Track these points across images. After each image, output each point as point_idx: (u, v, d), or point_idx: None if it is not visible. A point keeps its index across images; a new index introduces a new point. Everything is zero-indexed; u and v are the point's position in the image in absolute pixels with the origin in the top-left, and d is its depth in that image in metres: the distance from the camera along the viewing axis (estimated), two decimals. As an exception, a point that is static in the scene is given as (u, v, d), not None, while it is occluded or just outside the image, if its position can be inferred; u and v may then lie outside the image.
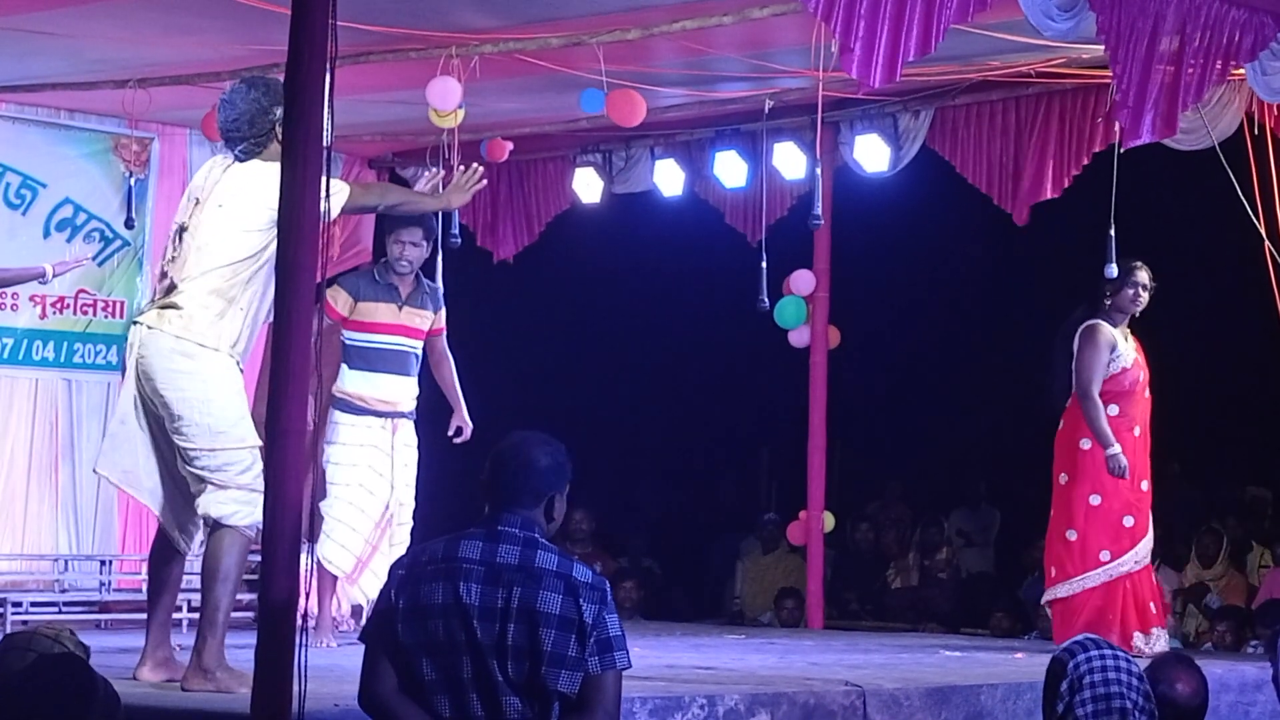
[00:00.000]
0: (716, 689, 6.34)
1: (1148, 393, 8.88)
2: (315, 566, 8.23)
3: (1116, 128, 8.62)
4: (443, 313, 8.83)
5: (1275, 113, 8.97)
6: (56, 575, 10.66)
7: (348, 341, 8.59)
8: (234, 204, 6.28)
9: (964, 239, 12.81)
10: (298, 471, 4.84)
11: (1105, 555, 8.70)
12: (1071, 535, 8.75)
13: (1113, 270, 8.70)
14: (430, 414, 8.88)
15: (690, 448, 15.08)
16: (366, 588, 8.52)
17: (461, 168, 6.99)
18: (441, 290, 9.02)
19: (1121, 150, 8.63)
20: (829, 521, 11.33)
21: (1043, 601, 9.00)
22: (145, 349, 6.28)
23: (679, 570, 13.87)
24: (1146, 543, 8.83)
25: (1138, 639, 8.63)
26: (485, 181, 7.12)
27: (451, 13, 8.61)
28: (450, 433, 8.83)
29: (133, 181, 10.83)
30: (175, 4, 8.49)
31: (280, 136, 5.40)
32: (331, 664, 6.24)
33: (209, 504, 6.25)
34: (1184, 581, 11.44)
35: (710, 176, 11.27)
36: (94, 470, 6.87)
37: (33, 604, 10.17)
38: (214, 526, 6.27)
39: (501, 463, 4.56)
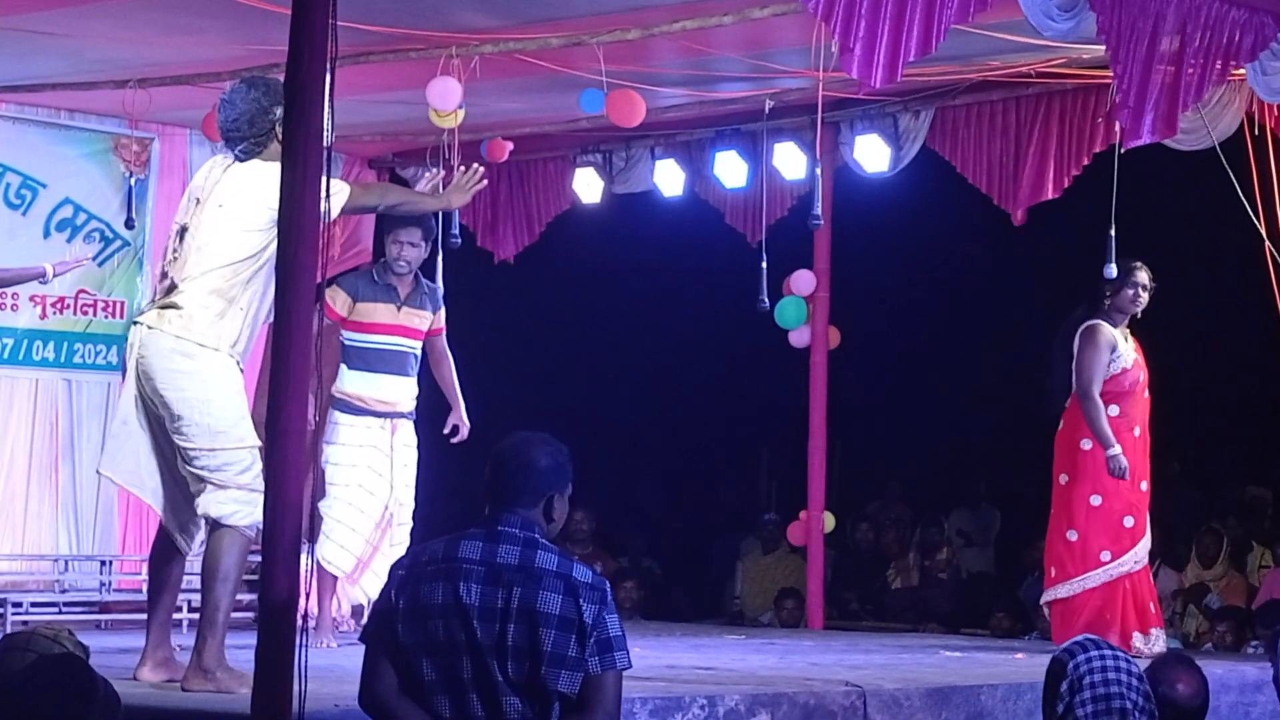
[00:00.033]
0: (717, 689, 6.34)
1: (1147, 393, 8.88)
2: (315, 567, 8.24)
3: (1117, 128, 8.62)
4: (442, 312, 8.83)
5: (1275, 113, 8.96)
6: (56, 575, 10.66)
7: (346, 342, 8.59)
8: (234, 204, 6.28)
9: (964, 239, 12.81)
10: (298, 471, 4.83)
11: (1106, 555, 8.71)
12: (1072, 535, 8.75)
13: (1112, 270, 8.70)
14: (430, 414, 8.88)
15: (690, 448, 15.08)
16: (368, 587, 8.52)
17: (462, 168, 6.98)
18: (441, 290, 9.01)
19: (1122, 151, 8.63)
20: (829, 521, 11.33)
21: (1042, 601, 9.00)
22: (145, 349, 6.29)
23: (679, 570, 13.87)
24: (1145, 543, 8.84)
25: (1137, 639, 8.63)
26: (486, 182, 7.12)
27: (451, 13, 8.60)
28: (446, 430, 8.82)
29: (133, 181, 10.83)
30: (175, 4, 8.49)
31: (280, 136, 5.40)
32: (332, 664, 6.24)
33: (209, 504, 6.25)
34: (1184, 581, 11.43)
35: (710, 176, 11.27)
36: (97, 471, 6.88)
37: (33, 604, 10.17)
38: (214, 526, 6.28)
39: (501, 462, 4.56)
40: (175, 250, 6.40)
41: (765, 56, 9.31)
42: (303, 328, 4.82)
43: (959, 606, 12.31)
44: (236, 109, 6.39)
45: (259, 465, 6.03)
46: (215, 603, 6.21)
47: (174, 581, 6.61)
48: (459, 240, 10.01)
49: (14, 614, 9.78)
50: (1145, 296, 8.82)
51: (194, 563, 6.58)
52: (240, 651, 5.85)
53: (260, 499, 5.06)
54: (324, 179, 4.88)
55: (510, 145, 10.63)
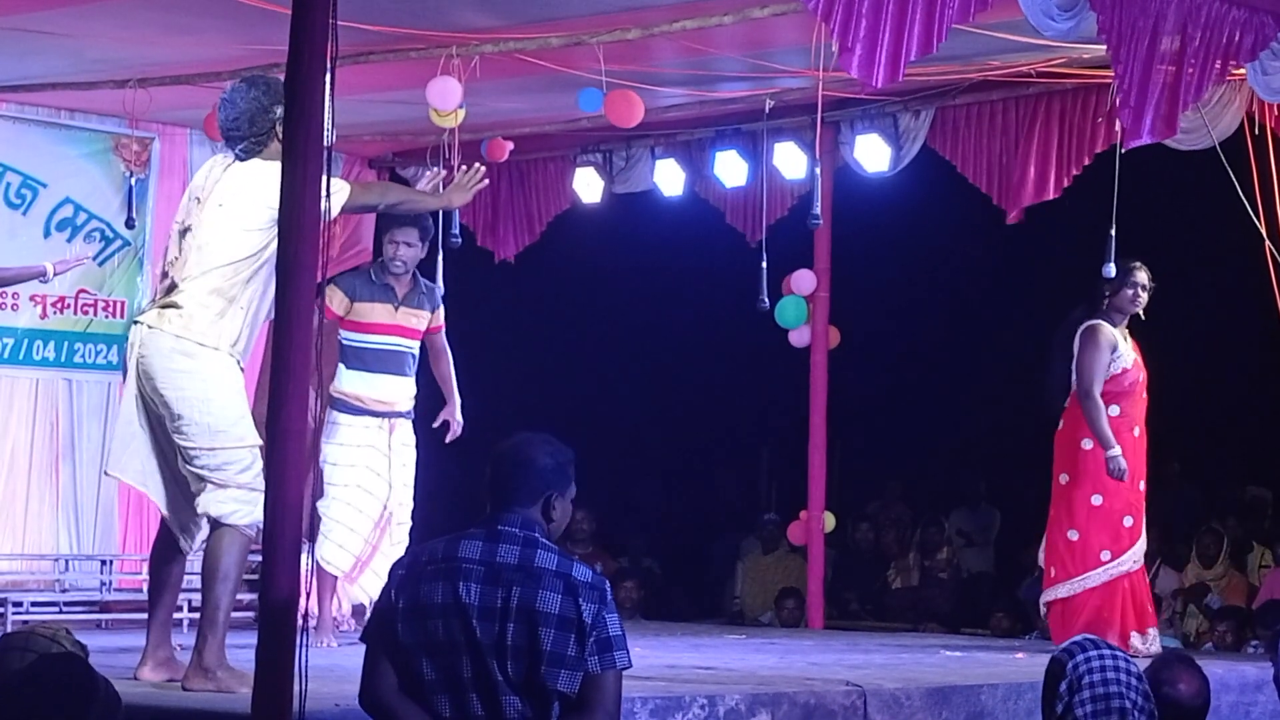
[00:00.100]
0: (717, 689, 6.34)
1: (1145, 393, 8.88)
2: (314, 567, 8.24)
3: (1117, 127, 8.62)
4: (440, 311, 8.82)
5: (1275, 113, 8.96)
6: (57, 575, 10.66)
7: (344, 341, 8.59)
8: (234, 203, 6.28)
9: (964, 239, 12.81)
10: (298, 471, 4.83)
11: (1106, 555, 8.71)
12: (1073, 535, 8.75)
13: (1112, 270, 8.70)
14: (429, 414, 8.88)
15: (690, 448, 15.08)
16: (368, 587, 8.52)
17: (463, 167, 6.98)
18: (441, 290, 9.01)
19: (1123, 151, 8.63)
20: (829, 521, 11.33)
21: (1042, 601, 8.99)
22: (145, 348, 6.29)
23: (679, 570, 13.87)
24: (1143, 542, 8.84)
25: (1135, 639, 8.63)
26: (487, 181, 7.11)
27: (451, 13, 8.60)
28: (436, 425, 8.80)
29: (133, 181, 10.83)
30: (175, 4, 8.48)
31: (281, 135, 5.39)
32: (332, 664, 6.24)
33: (209, 503, 6.25)
34: (1184, 581, 11.44)
35: (710, 176, 11.27)
36: (105, 472, 6.88)
37: (33, 604, 10.17)
38: (214, 526, 6.28)
39: (501, 462, 4.56)
40: (176, 250, 6.40)
41: (765, 56, 9.31)
42: (303, 327, 4.82)
43: (959, 606, 12.32)
44: (237, 108, 6.39)
45: (259, 464, 6.03)
46: (216, 602, 6.22)
47: (174, 581, 6.61)
48: (459, 240, 10.01)
49: (14, 614, 9.78)
50: (1144, 296, 8.82)
51: (194, 562, 6.58)
52: (240, 651, 5.85)
53: (260, 498, 5.06)
54: (324, 178, 4.88)
55: (510, 145, 10.63)
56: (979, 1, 7.15)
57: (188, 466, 6.28)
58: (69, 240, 10.71)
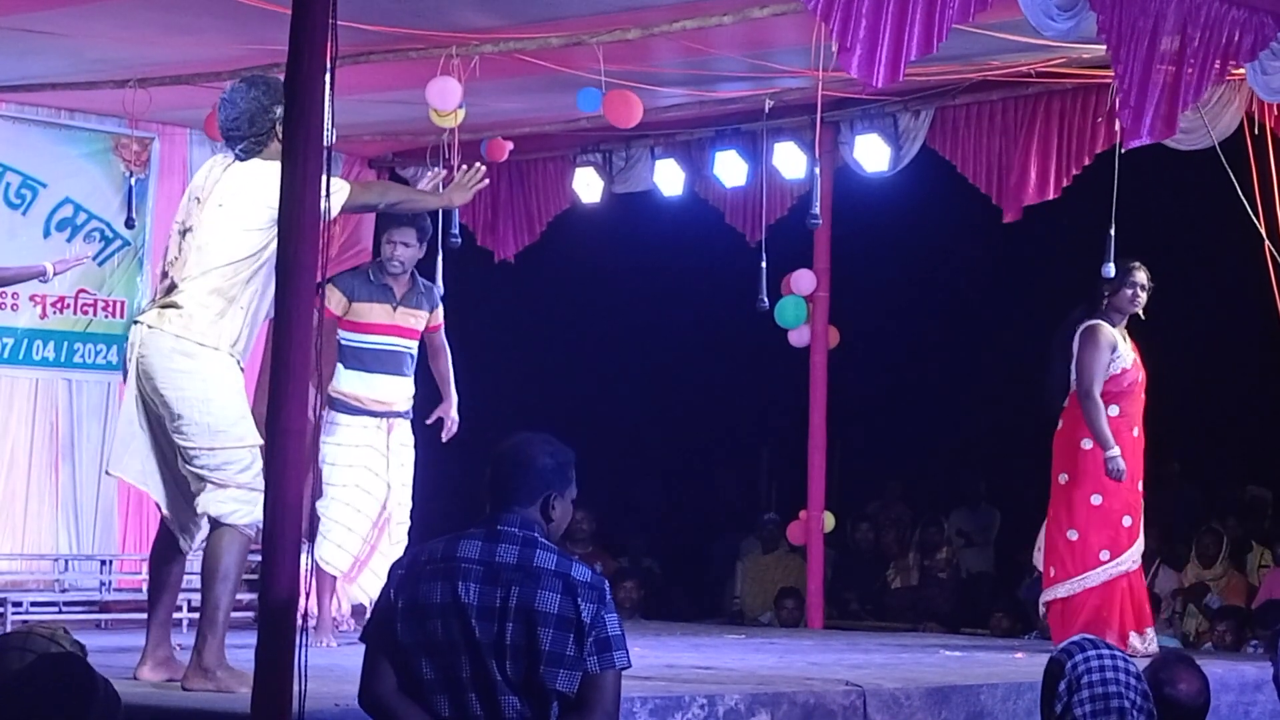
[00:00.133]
0: (717, 689, 6.34)
1: (1143, 393, 8.88)
2: (313, 567, 8.24)
3: (1117, 127, 8.62)
4: (439, 310, 8.82)
5: (1275, 113, 8.96)
6: (56, 575, 10.66)
7: (342, 341, 8.58)
8: (234, 203, 6.28)
9: (964, 239, 12.81)
10: (298, 471, 4.83)
11: (1105, 555, 8.71)
12: (1072, 535, 8.75)
13: (1111, 270, 8.70)
14: (428, 413, 8.87)
15: (690, 448, 15.08)
16: (367, 587, 8.52)
17: (464, 166, 6.97)
18: (441, 290, 9.01)
19: (1123, 151, 8.63)
20: (829, 521, 11.33)
21: (1042, 601, 8.99)
22: (145, 348, 6.29)
23: (679, 570, 13.87)
24: (1141, 542, 8.85)
25: (1134, 639, 8.63)
26: (487, 180, 7.10)
27: (451, 13, 8.60)
28: (430, 421, 8.80)
29: (133, 181, 10.83)
30: (175, 4, 8.48)
31: (280, 135, 5.39)
32: (332, 664, 6.24)
33: (208, 503, 6.25)
34: (1184, 581, 11.43)
35: (710, 176, 11.27)
36: (107, 472, 6.89)
37: (33, 604, 10.17)
38: (214, 525, 6.28)
39: (501, 461, 4.57)
40: (176, 250, 6.40)
41: (765, 56, 9.31)
42: (302, 327, 4.82)
43: (959, 606, 12.32)
44: (237, 108, 6.39)
45: (259, 464, 6.03)
46: (215, 602, 6.22)
47: (174, 581, 6.61)
48: (459, 240, 10.01)
49: (14, 613, 9.78)
50: (1144, 296, 8.83)
51: (194, 562, 6.59)
52: (240, 651, 5.85)
53: (260, 498, 5.06)
54: (324, 178, 4.87)
55: (510, 145, 10.63)
56: (979, 1, 7.15)
57: (187, 466, 6.28)
58: (69, 240, 10.71)
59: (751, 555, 13.03)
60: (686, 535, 14.52)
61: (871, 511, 13.52)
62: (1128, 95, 7.75)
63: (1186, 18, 7.79)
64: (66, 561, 10.70)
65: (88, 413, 10.82)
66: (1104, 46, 7.80)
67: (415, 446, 8.73)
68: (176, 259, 6.37)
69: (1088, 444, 8.69)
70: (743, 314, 10.56)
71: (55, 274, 9.11)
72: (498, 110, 10.25)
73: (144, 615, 6.62)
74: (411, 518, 8.68)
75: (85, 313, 10.87)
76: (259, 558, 4.96)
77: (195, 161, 10.66)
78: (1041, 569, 9.07)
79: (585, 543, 12.39)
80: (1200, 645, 10.48)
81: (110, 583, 10.67)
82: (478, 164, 6.99)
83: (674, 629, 10.69)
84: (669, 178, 11.42)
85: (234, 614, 6.36)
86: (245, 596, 8.32)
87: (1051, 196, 10.00)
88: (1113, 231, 8.69)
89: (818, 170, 9.46)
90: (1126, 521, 8.73)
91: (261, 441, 5.86)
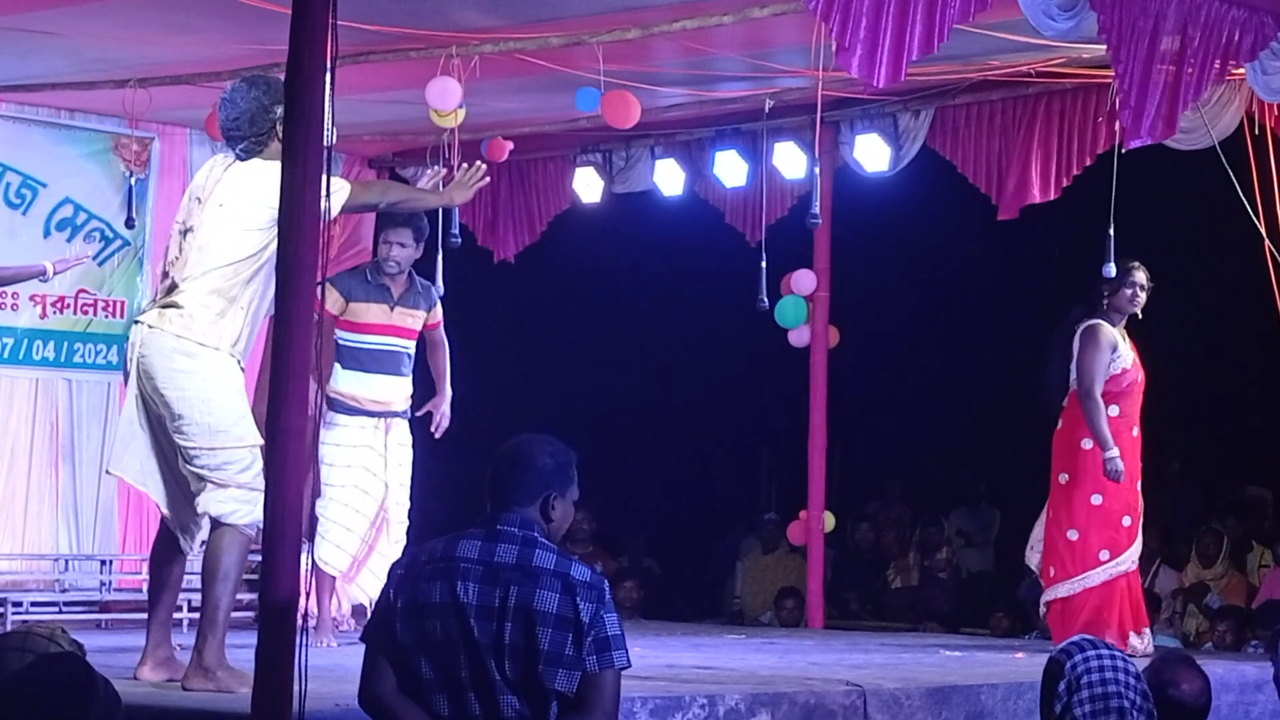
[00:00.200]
0: (717, 689, 6.34)
1: (1142, 393, 8.88)
2: (312, 567, 8.23)
3: (1117, 127, 8.62)
4: (437, 308, 8.81)
5: (1275, 112, 8.97)
6: (57, 575, 10.66)
7: (340, 341, 8.58)
8: (235, 203, 6.28)
9: (964, 239, 12.80)
10: (298, 471, 4.83)
11: (1105, 555, 8.71)
12: (1073, 535, 8.75)
13: (1111, 270, 8.70)
14: (426, 413, 8.87)
15: (690, 448, 15.07)
16: (367, 587, 8.52)
17: (464, 165, 6.97)
18: (441, 290, 9.01)
19: (1123, 151, 8.63)
20: (829, 521, 11.33)
21: (1042, 601, 8.99)
22: (146, 348, 6.29)
23: (679, 570, 13.87)
24: (1139, 542, 8.85)
25: (1133, 639, 8.64)
26: (488, 179, 7.10)
27: (451, 12, 8.61)
28: (420, 413, 8.79)
29: (133, 181, 10.83)
30: (175, 4, 8.49)
31: (281, 135, 5.39)
32: (332, 664, 6.24)
33: (209, 502, 6.25)
34: (1184, 581, 11.43)
35: (710, 176, 11.27)
36: (107, 471, 6.89)
37: (33, 604, 10.17)
38: (214, 525, 6.28)
39: (502, 461, 4.57)
40: (176, 250, 6.40)
41: (765, 56, 9.31)
42: (303, 327, 4.82)
43: (959, 606, 12.31)
44: (237, 108, 6.39)
45: (259, 464, 6.03)
46: (215, 602, 6.22)
47: (174, 581, 6.61)
48: (459, 239, 10.01)
49: (14, 613, 9.78)
50: (1143, 296, 8.83)
51: (194, 562, 6.59)
52: (240, 651, 5.85)
53: (260, 498, 5.06)
54: (324, 178, 4.87)
55: (510, 145, 10.63)
56: (979, 1, 7.15)
57: (188, 466, 6.28)
58: (69, 240, 10.71)
59: (751, 555, 13.03)
60: (686, 535, 14.51)
61: (871, 511, 13.52)
62: (1128, 95, 7.75)
63: (1187, 18, 7.79)
64: (66, 561, 10.71)
65: (88, 413, 10.82)
66: (1104, 46, 7.80)
67: (414, 446, 8.72)
68: (177, 259, 6.37)
69: (1088, 444, 8.68)
70: (743, 314, 10.56)
71: (55, 274, 9.11)
72: (498, 110, 10.25)
73: (144, 615, 6.62)
74: (410, 518, 8.68)
75: (85, 313, 10.87)
76: (259, 558, 4.96)
77: (195, 161, 10.66)
78: (1033, 568, 9.08)
79: (585, 543, 12.39)
80: (1200, 645, 10.48)
81: (110, 583, 10.67)
82: (478, 163, 6.98)
83: (674, 629, 10.69)
84: (669, 178, 11.42)
85: (234, 614, 6.36)
86: (245, 596, 8.32)
87: (1052, 197, 10.00)
88: (1112, 231, 8.69)
89: (818, 170, 9.46)
90: (1126, 521, 8.73)
91: (262, 441, 5.87)
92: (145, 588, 7.03)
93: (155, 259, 10.56)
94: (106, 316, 10.92)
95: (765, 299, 10.09)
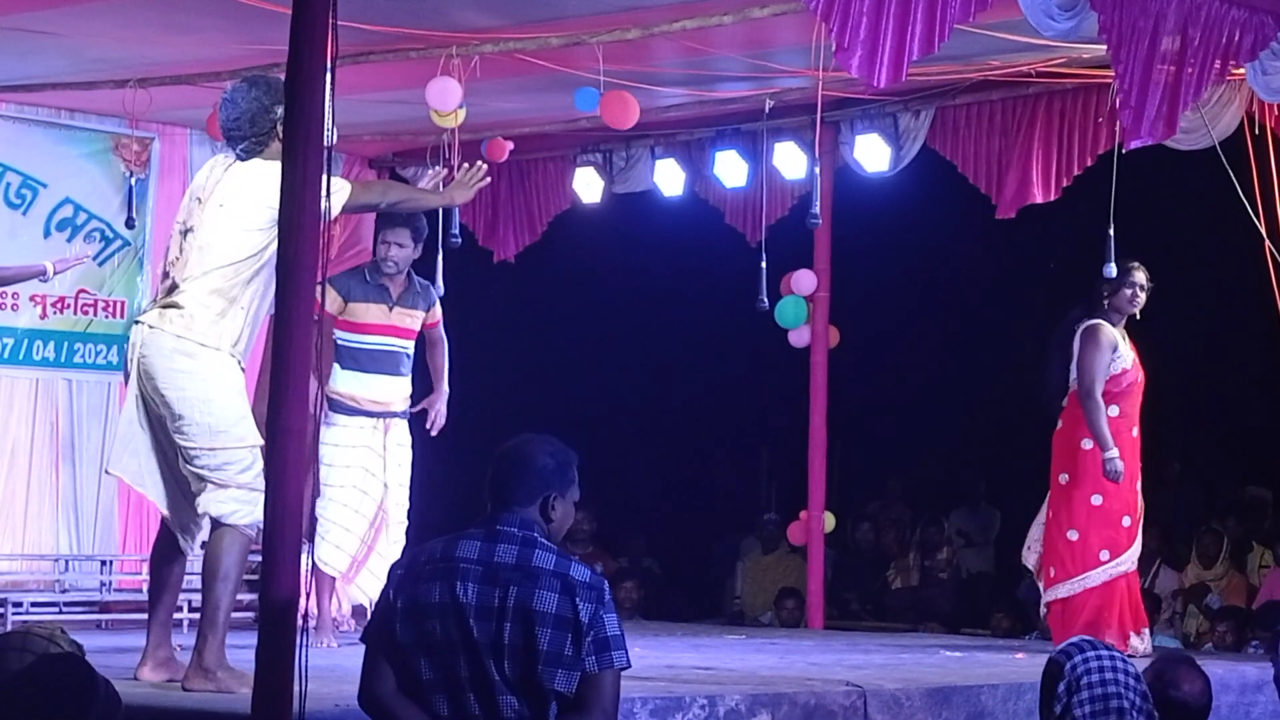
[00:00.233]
0: (717, 689, 6.34)
1: (1142, 393, 8.88)
2: (311, 567, 8.23)
3: (1117, 127, 8.61)
4: (436, 308, 8.80)
5: (1275, 112, 8.96)
6: (57, 575, 10.66)
7: (339, 341, 8.58)
8: (235, 203, 6.28)
9: (965, 239, 12.81)
10: (298, 471, 4.83)
11: (1105, 555, 8.71)
12: (1073, 535, 8.75)
13: (1111, 270, 8.70)
14: (425, 413, 8.86)
15: (690, 448, 15.08)
16: (366, 587, 8.52)
17: (465, 165, 6.97)
18: (441, 290, 9.01)
19: (1123, 152, 8.63)
20: (829, 521, 11.33)
21: (1043, 601, 8.99)
22: (146, 348, 6.29)
23: (679, 570, 13.87)
24: (1139, 542, 8.85)
25: (1133, 639, 8.63)
26: (489, 179, 7.10)
27: (451, 13, 8.61)
28: (415, 409, 8.79)
29: (133, 181, 10.83)
30: (175, 4, 8.48)
31: (281, 135, 5.39)
32: (332, 664, 6.23)
33: (209, 503, 6.25)
34: (1184, 581, 11.44)
35: (710, 176, 11.27)
36: (106, 471, 6.88)
37: (33, 604, 10.17)
38: (214, 525, 6.28)
39: (502, 462, 4.57)
40: (177, 250, 6.40)
41: (765, 56, 9.31)
42: (303, 327, 4.81)
43: (959, 606, 12.32)
44: (238, 108, 6.39)
45: (260, 464, 6.03)
46: (216, 602, 6.22)
47: (175, 581, 6.61)
48: (459, 240, 10.00)
49: (14, 614, 9.78)
50: (1143, 296, 8.82)
51: (194, 562, 6.59)
52: (240, 651, 5.85)
53: (261, 498, 5.05)
54: (324, 178, 4.87)
55: (510, 145, 10.63)
56: (980, 1, 7.14)
57: (188, 466, 6.28)
58: (69, 240, 10.71)
59: (752, 555, 13.03)
60: (686, 535, 14.51)
61: (871, 511, 13.52)
62: (1128, 95, 7.75)
63: (1187, 18, 7.79)
64: (66, 562, 10.70)
65: (88, 413, 10.82)
66: (1104, 46, 7.80)
67: (413, 446, 8.72)
68: (178, 259, 6.37)
69: (1088, 444, 8.68)
70: (743, 314, 10.56)
71: (55, 273, 9.11)
72: (498, 110, 10.25)
73: (144, 615, 6.62)
74: (410, 518, 8.68)
75: (85, 313, 10.87)
76: (259, 558, 4.96)
77: (195, 161, 10.66)
78: (1030, 568, 9.08)
79: (585, 543, 12.40)
80: (1201, 646, 10.48)
81: (110, 583, 10.67)
82: (479, 163, 6.98)
83: (674, 629, 10.69)
84: (669, 178, 11.42)
85: (234, 614, 6.36)
86: (245, 596, 8.32)
87: (1053, 197, 10.00)
88: (1112, 231, 8.69)
89: (818, 170, 9.46)
90: (1126, 522, 8.73)
91: (262, 441, 5.87)
92: (145, 588, 7.03)
93: (155, 259, 10.56)
94: (107, 317, 10.92)
95: (765, 299, 10.09)
